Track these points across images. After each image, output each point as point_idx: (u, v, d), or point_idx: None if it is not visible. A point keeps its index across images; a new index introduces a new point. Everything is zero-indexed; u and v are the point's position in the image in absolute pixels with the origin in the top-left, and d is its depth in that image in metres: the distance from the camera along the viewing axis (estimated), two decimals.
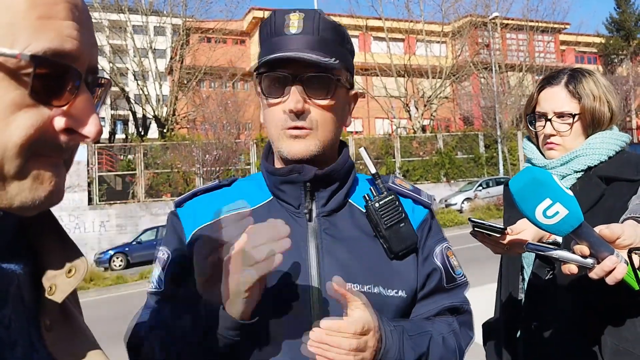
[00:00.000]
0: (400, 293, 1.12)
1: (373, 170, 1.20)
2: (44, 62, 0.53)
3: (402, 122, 32.03)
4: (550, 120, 1.66)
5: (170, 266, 1.14)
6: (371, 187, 1.19)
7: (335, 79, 1.11)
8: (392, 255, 1.14)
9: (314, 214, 1.14)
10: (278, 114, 1.10)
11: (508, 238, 1.36)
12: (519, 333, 1.65)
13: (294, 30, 1.08)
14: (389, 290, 1.11)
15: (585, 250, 1.05)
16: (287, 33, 1.08)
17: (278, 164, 1.18)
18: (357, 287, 1.08)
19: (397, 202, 1.16)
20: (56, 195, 0.59)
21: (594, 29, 52.15)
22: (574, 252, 1.07)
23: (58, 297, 0.61)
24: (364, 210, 1.16)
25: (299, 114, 1.08)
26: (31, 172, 0.56)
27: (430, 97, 31.52)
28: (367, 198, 1.16)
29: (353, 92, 1.21)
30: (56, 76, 0.55)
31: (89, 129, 0.59)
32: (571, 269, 1.08)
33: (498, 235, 1.21)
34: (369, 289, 1.09)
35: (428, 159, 26.96)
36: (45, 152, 0.57)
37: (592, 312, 1.44)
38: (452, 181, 26.83)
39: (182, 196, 1.22)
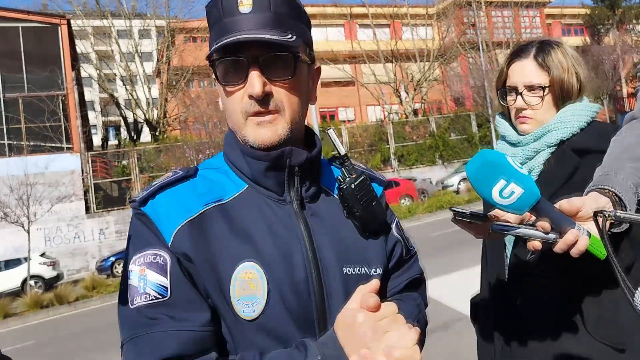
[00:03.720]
0: (378, 270, 1.13)
1: (343, 152, 1.16)
2: None
3: (394, 108, 32.00)
4: (520, 93, 1.65)
5: (176, 270, 0.98)
6: (342, 169, 1.16)
7: (296, 57, 1.03)
8: (366, 234, 1.14)
9: (296, 200, 1.08)
10: (239, 101, 1.03)
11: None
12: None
13: (245, 9, 1.00)
14: (371, 270, 1.11)
15: (547, 225, 1.06)
16: (239, 13, 1.00)
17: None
18: (350, 269, 1.08)
19: (368, 181, 1.15)
20: None
21: (579, 0, 52.06)
22: (536, 229, 1.09)
23: None
24: (336, 193, 1.15)
25: (262, 99, 1.01)
26: None
27: (419, 80, 31.47)
28: (342, 180, 1.13)
29: (315, 66, 1.15)
30: None
31: None
32: (535, 245, 1.09)
33: (480, 222, 1.22)
34: (358, 270, 1.09)
35: (422, 143, 26.98)
36: None
37: (572, 285, 1.46)
38: (447, 163, 26.86)
39: (143, 194, 1.05)
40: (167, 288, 0.97)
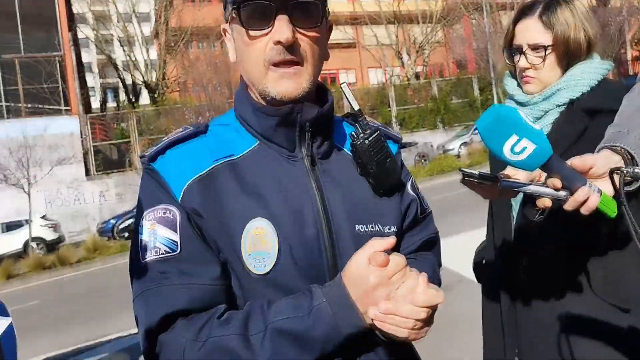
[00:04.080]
0: (392, 229, 1.12)
1: (356, 107, 1.12)
2: None
3: (396, 71, 31.69)
4: (524, 53, 1.62)
5: (185, 226, 0.97)
6: (356, 125, 1.13)
7: (324, 4, 1.01)
8: (381, 191, 1.12)
9: (308, 157, 1.06)
10: (261, 49, 0.98)
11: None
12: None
13: None
14: (385, 228, 1.10)
15: (557, 183, 1.04)
16: None
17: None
18: (363, 227, 1.07)
19: (382, 138, 1.12)
20: None
21: None
22: (547, 186, 1.07)
23: None
24: (349, 150, 1.13)
25: (289, 47, 0.97)
26: None
27: (421, 43, 31.09)
28: (355, 136, 1.10)
29: (329, 22, 1.12)
30: None
31: None
32: (545, 202, 1.08)
33: (489, 183, 1.19)
34: (371, 227, 1.08)
35: (423, 106, 26.82)
36: None
37: (579, 245, 1.45)
38: (448, 127, 26.76)
39: (153, 149, 1.04)
40: (176, 243, 0.96)
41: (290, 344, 0.91)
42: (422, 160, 22.08)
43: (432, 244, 1.27)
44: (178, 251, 0.96)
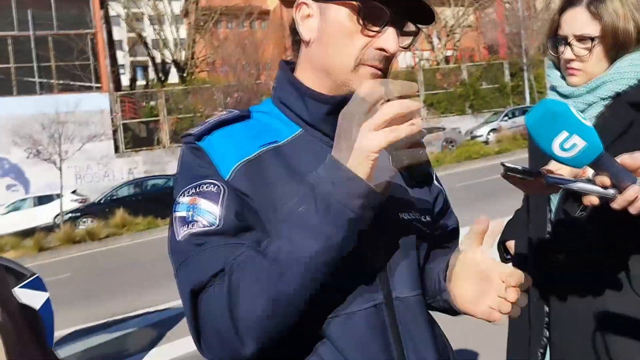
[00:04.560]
0: (427, 218, 1.13)
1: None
2: None
3: (425, 54, 31.28)
4: (569, 44, 1.58)
5: (230, 200, 0.95)
6: None
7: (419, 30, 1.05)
8: (412, 183, 1.13)
9: None
10: (359, 46, 0.99)
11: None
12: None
13: None
14: (421, 217, 1.11)
15: (606, 180, 1.01)
16: None
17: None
18: (406, 215, 1.07)
19: None
20: None
21: None
22: (594, 184, 1.05)
23: None
24: None
25: (387, 57, 1.00)
26: None
27: (452, 26, 30.57)
28: None
29: None
30: None
31: None
32: (592, 200, 1.05)
33: (532, 178, 1.18)
34: (413, 215, 1.09)
35: (452, 91, 26.48)
36: None
37: (620, 243, 1.42)
38: (477, 112, 26.40)
39: (198, 129, 1.03)
40: (216, 216, 0.93)
41: (297, 228, 0.86)
42: (450, 146, 21.86)
43: (457, 234, 1.28)
44: (217, 224, 0.93)
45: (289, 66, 1.12)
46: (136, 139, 23.61)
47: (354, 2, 0.99)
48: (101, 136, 20.12)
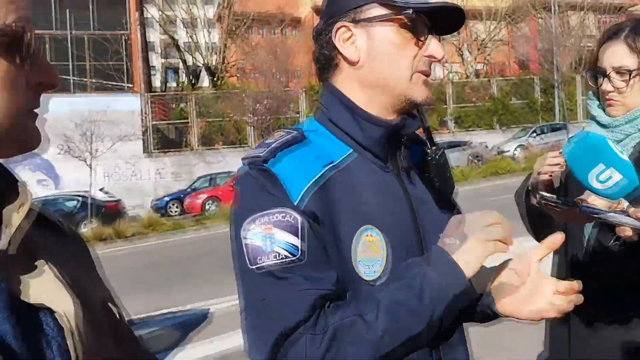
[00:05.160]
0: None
1: (427, 123, 1.18)
2: (21, 29, 0.64)
3: (455, 67, 31.12)
4: (608, 76, 1.61)
5: (306, 230, 0.96)
6: (427, 141, 1.18)
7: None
8: (440, 203, 1.17)
9: (399, 168, 1.12)
10: (410, 57, 1.07)
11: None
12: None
13: None
14: (450, 239, 1.15)
15: None
16: None
17: (377, 113, 1.10)
18: (449, 240, 1.10)
19: (445, 153, 1.18)
20: (40, 141, 0.71)
21: None
22: (629, 216, 1.07)
23: (8, 235, 0.66)
24: (413, 163, 1.17)
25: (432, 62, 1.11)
26: (25, 126, 0.68)
27: (484, 40, 30.39)
28: (427, 152, 1.15)
29: None
30: (27, 41, 0.65)
31: (53, 79, 0.70)
32: (625, 232, 1.08)
33: (567, 208, 1.20)
34: (452, 240, 1.12)
35: (481, 105, 26.26)
36: (31, 107, 0.68)
37: None
38: (505, 128, 26.13)
39: (263, 151, 1.02)
40: (297, 247, 0.94)
41: (403, 313, 0.93)
42: (476, 161, 21.67)
43: None
44: (299, 255, 0.94)
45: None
46: (165, 140, 23.93)
47: (401, 17, 1.05)
48: (131, 136, 20.46)
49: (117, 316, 0.80)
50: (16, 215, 0.67)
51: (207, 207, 18.72)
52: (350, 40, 1.08)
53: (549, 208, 1.30)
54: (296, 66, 25.53)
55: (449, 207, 1.20)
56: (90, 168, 17.46)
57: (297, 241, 0.95)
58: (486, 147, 23.11)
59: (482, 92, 26.68)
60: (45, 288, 0.67)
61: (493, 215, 0.98)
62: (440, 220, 1.13)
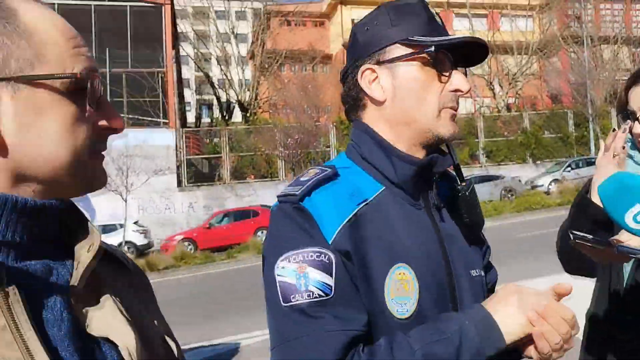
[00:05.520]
0: (482, 273, 1.18)
1: (457, 160, 1.20)
2: (84, 78, 0.69)
3: (486, 101, 31.04)
4: (638, 119, 1.61)
5: (340, 269, 0.98)
6: (456, 177, 1.20)
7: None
8: (471, 238, 1.18)
9: (430, 205, 1.13)
10: (437, 93, 1.09)
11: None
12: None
13: (440, 22, 1.13)
14: (482, 273, 1.17)
15: None
16: (438, 22, 1.12)
17: (405, 150, 1.11)
18: (474, 272, 1.13)
19: (474, 189, 1.19)
20: (105, 181, 0.76)
21: None
22: None
23: (79, 271, 0.70)
24: (443, 199, 1.18)
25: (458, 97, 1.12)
26: (91, 166, 0.72)
27: (515, 74, 30.30)
28: (457, 188, 1.17)
29: None
30: (92, 88, 0.70)
31: (118, 124, 0.75)
32: None
33: (602, 248, 1.20)
34: (479, 272, 1.15)
35: (513, 139, 26.02)
36: (99, 148, 0.73)
37: None
38: (538, 162, 25.78)
39: (298, 189, 1.04)
40: (331, 287, 0.95)
41: None
42: (509, 195, 21.37)
43: (494, 289, 1.29)
44: (332, 295, 0.95)
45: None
46: (198, 174, 24.32)
47: (424, 55, 1.08)
48: (165, 170, 20.88)
49: (175, 351, 0.83)
50: (86, 254, 0.72)
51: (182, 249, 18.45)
52: (375, 81, 1.11)
53: (583, 247, 1.30)
54: (326, 101, 25.84)
55: (478, 242, 1.21)
56: (125, 202, 17.84)
57: (330, 280, 0.96)
58: (519, 181, 22.79)
59: (514, 125, 26.46)
60: (108, 321, 0.71)
61: (547, 302, 0.97)
62: (470, 256, 1.15)
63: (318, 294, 0.94)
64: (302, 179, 1.08)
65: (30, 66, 0.66)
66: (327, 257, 0.97)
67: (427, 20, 1.10)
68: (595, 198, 1.42)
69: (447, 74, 1.09)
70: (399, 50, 1.09)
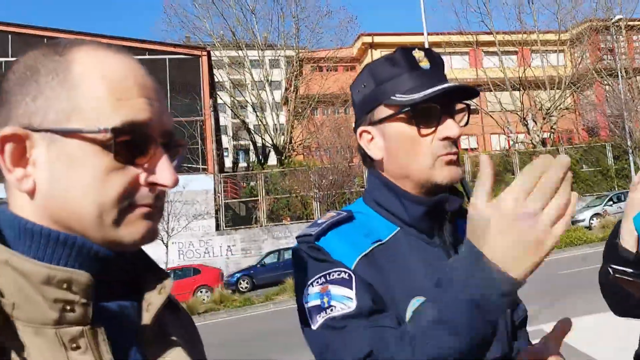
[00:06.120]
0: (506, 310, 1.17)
1: (472, 196, 1.25)
2: (121, 131, 0.67)
3: (520, 137, 30.81)
4: None
5: (361, 284, 1.01)
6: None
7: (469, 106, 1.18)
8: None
9: (446, 243, 1.14)
10: (428, 144, 1.10)
11: None
12: None
13: (425, 65, 1.13)
14: (517, 311, 1.20)
15: None
16: (420, 68, 1.12)
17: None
18: (516, 315, 1.16)
19: None
20: (148, 236, 0.72)
21: None
22: None
23: (151, 313, 0.73)
24: (461, 234, 1.14)
25: (454, 141, 1.11)
26: (127, 219, 0.69)
27: (549, 109, 30.06)
28: None
29: None
30: (134, 141, 0.68)
31: (165, 180, 0.71)
32: None
33: None
34: (519, 314, 1.18)
35: None
36: (136, 202, 0.69)
37: None
38: (578, 196, 25.20)
39: (315, 230, 1.10)
40: (352, 299, 0.99)
41: (446, 331, 0.85)
42: None
43: (526, 322, 1.27)
44: (354, 307, 0.98)
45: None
46: (236, 217, 24.67)
47: (403, 115, 1.10)
48: (204, 214, 21.28)
49: None
50: (157, 296, 0.74)
51: None
52: (372, 141, 1.18)
53: (623, 282, 1.28)
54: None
55: None
56: (167, 247, 18.22)
57: (351, 293, 1.00)
58: None
59: None
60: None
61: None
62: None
63: (340, 307, 0.99)
64: (319, 221, 1.14)
65: (66, 119, 0.67)
66: (347, 274, 1.02)
67: (410, 71, 1.12)
68: (625, 242, 1.36)
69: (433, 126, 1.10)
70: (384, 110, 1.14)
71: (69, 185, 0.67)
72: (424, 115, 1.10)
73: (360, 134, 1.19)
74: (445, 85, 1.09)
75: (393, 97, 1.11)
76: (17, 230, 0.67)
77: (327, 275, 1.03)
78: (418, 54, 1.14)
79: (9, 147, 0.66)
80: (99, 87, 0.68)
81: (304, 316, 1.04)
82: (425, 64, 1.13)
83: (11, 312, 0.61)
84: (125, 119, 0.67)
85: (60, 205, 0.67)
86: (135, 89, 0.70)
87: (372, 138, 1.17)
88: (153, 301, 0.73)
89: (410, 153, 1.12)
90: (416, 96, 1.08)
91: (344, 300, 0.99)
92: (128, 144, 0.68)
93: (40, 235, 0.67)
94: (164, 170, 0.71)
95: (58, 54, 0.70)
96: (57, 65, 0.68)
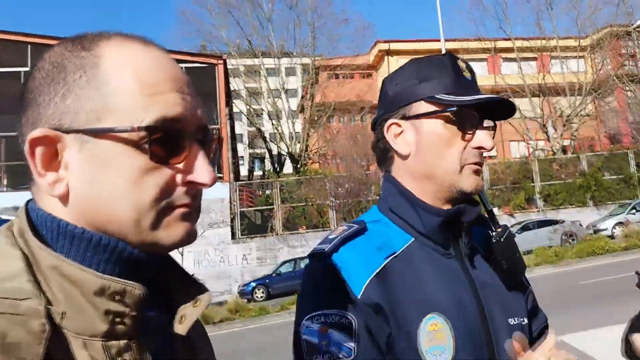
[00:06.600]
0: (525, 320, 1.17)
1: (490, 206, 1.22)
2: (155, 129, 0.64)
3: (540, 144, 30.40)
4: None
5: (362, 332, 1.01)
6: (490, 224, 1.20)
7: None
8: (511, 284, 1.17)
9: (462, 254, 1.14)
10: (459, 150, 1.11)
11: None
12: None
13: (468, 76, 1.14)
14: (521, 320, 1.16)
15: None
16: (464, 77, 1.14)
17: (430, 202, 1.14)
18: (512, 320, 1.13)
19: (512, 235, 1.18)
20: (187, 238, 0.70)
21: None
22: None
23: (186, 325, 0.71)
24: (479, 245, 1.19)
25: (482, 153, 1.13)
26: (165, 222, 0.67)
27: (569, 116, 29.65)
28: (493, 235, 1.17)
29: None
30: (169, 139, 0.65)
31: (204, 178, 0.68)
32: None
33: None
34: (518, 320, 1.14)
35: (571, 182, 25.21)
36: (174, 203, 0.67)
37: None
38: (600, 204, 24.79)
39: (327, 247, 1.09)
40: (352, 349, 0.98)
41: None
42: (570, 240, 20.56)
43: (545, 332, 1.25)
44: (353, 358, 0.98)
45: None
46: (251, 226, 24.67)
47: (448, 113, 1.10)
48: (220, 223, 21.27)
49: None
50: (192, 308, 0.73)
51: None
52: (401, 135, 1.16)
53: None
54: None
55: (520, 287, 1.20)
56: (182, 255, 18.22)
57: (351, 344, 0.99)
58: (580, 225, 21.92)
59: (572, 168, 25.69)
60: None
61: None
62: (508, 303, 1.14)
63: (338, 356, 0.98)
64: (330, 236, 1.13)
65: (97, 118, 0.64)
66: (347, 320, 1.01)
67: (454, 76, 1.13)
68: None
69: (470, 131, 1.11)
70: (423, 106, 1.12)
71: (104, 188, 0.65)
72: (466, 119, 1.11)
73: (389, 127, 1.16)
74: (494, 96, 1.10)
75: (439, 96, 1.11)
76: (56, 233, 0.65)
77: (329, 317, 1.02)
78: (462, 64, 1.16)
79: (39, 150, 0.64)
80: (130, 83, 0.65)
81: (298, 342, 1.04)
82: (467, 74, 1.15)
83: (60, 321, 0.60)
84: (158, 115, 0.65)
85: (96, 209, 0.65)
86: (168, 82, 0.67)
87: (402, 132, 1.16)
88: (187, 313, 0.72)
89: (441, 153, 1.12)
90: (467, 98, 1.09)
91: (344, 349, 0.99)
92: (163, 141, 0.65)
93: (80, 239, 0.65)
94: (201, 168, 0.68)
95: (85, 49, 0.67)
96: (84, 61, 0.66)
